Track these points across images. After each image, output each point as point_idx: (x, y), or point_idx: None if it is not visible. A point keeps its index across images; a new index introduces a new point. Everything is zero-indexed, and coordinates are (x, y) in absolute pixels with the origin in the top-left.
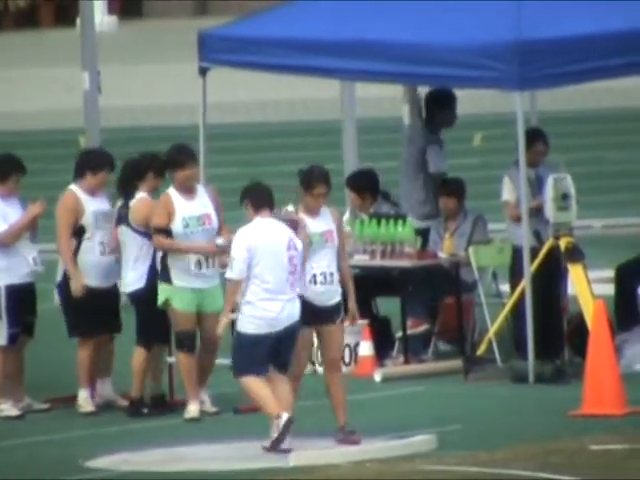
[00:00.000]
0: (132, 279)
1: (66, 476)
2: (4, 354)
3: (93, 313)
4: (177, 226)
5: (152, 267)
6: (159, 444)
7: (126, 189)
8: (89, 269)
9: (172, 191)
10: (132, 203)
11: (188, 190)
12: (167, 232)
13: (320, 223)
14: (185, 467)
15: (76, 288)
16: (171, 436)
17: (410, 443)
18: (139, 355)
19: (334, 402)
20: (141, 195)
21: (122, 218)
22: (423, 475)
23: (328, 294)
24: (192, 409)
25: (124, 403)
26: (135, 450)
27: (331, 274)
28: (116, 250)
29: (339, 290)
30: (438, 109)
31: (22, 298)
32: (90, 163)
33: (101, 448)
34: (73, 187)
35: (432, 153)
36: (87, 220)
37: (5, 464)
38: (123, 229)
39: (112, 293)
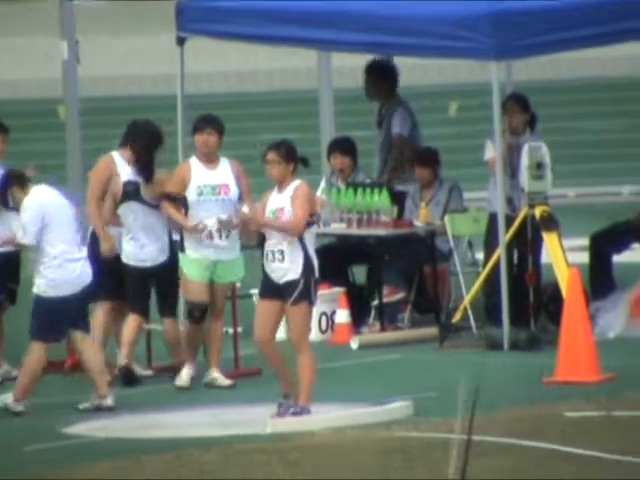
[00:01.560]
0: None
1: (44, 442)
2: None
3: (120, 278)
4: (191, 193)
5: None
6: (136, 411)
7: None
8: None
9: (193, 160)
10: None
11: (209, 159)
12: (174, 199)
13: (281, 199)
14: (162, 434)
15: (104, 249)
16: (149, 403)
17: (386, 410)
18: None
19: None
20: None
21: None
22: (399, 442)
23: (279, 272)
24: (184, 374)
25: (145, 372)
26: (112, 417)
27: (280, 251)
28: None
29: (292, 268)
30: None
31: (5, 265)
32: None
33: (79, 415)
34: (114, 153)
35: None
36: (119, 186)
37: None
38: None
39: None
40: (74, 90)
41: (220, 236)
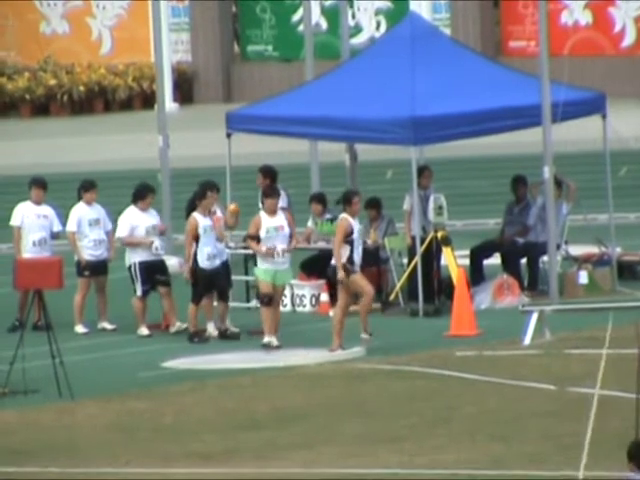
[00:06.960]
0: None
1: (149, 372)
2: (141, 301)
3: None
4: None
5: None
6: (204, 353)
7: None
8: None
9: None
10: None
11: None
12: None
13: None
14: (218, 366)
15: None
16: (214, 349)
17: (350, 352)
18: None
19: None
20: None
21: None
22: (358, 371)
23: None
24: (267, 339)
25: (235, 330)
26: (191, 357)
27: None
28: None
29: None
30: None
31: (150, 268)
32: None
33: (168, 356)
34: (195, 214)
35: None
36: (200, 230)
37: (99, 367)
38: None
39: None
40: (167, 164)
41: (280, 256)
